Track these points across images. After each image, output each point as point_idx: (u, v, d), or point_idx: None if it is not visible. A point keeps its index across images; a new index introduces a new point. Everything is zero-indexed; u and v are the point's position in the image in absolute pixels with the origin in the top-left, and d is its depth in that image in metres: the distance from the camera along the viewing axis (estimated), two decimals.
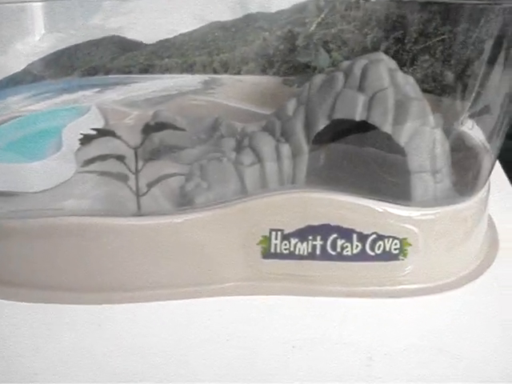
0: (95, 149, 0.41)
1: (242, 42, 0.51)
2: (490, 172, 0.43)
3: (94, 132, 0.37)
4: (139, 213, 0.39)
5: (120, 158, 0.36)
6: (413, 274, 0.40)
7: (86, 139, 0.37)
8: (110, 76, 0.52)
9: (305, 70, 0.49)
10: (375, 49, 0.49)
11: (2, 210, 0.41)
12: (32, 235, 0.39)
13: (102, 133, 0.37)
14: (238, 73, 0.52)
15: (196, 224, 0.38)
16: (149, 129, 0.36)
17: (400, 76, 0.42)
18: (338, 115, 0.41)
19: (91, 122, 0.50)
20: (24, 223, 0.39)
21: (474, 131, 0.45)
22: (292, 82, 0.50)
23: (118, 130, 0.43)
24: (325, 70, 0.48)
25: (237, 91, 0.51)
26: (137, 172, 0.38)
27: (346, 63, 0.43)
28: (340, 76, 0.42)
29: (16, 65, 0.49)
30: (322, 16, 0.50)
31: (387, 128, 0.40)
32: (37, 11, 0.43)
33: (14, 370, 0.34)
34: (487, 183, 0.43)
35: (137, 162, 0.38)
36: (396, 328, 0.38)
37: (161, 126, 0.36)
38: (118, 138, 0.37)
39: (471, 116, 0.45)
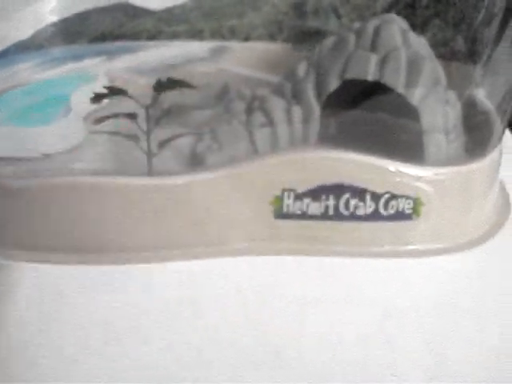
0: (105, 111, 0.41)
1: (250, 8, 0.50)
2: (502, 134, 0.43)
3: (105, 90, 0.36)
4: (150, 173, 0.38)
5: (132, 117, 0.36)
6: (426, 234, 0.40)
7: (97, 98, 0.36)
8: (117, 43, 0.51)
9: (314, 36, 0.49)
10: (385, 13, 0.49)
11: (7, 171, 0.40)
12: (39, 195, 0.39)
13: (114, 91, 0.36)
14: (247, 39, 0.51)
15: (207, 184, 0.38)
16: (160, 86, 0.36)
17: (412, 36, 0.41)
18: (350, 75, 0.41)
19: (99, 89, 0.49)
20: (31, 183, 0.39)
21: (485, 93, 0.45)
22: (302, 48, 0.49)
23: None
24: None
25: (245, 58, 0.51)
26: (149, 131, 0.37)
27: (357, 24, 0.43)
28: (352, 37, 0.42)
29: (23, 31, 0.49)
30: None
31: (400, 88, 0.40)
32: None
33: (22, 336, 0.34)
34: (499, 146, 0.43)
35: (148, 121, 0.37)
36: (409, 287, 0.38)
37: (173, 83, 0.36)
38: (130, 97, 0.36)
39: (482, 78, 0.45)
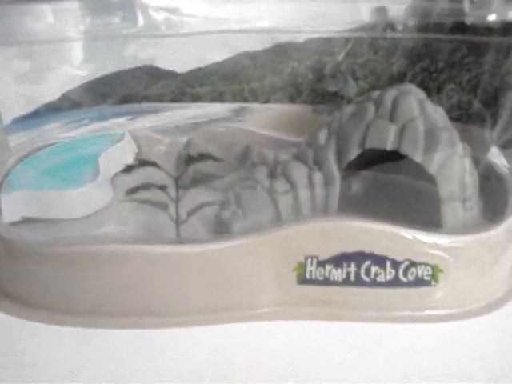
0: (132, 177, 0.42)
1: (271, 71, 0.52)
2: None
3: (136, 162, 0.38)
4: (178, 240, 0.40)
5: (162, 188, 0.38)
6: (444, 299, 0.41)
7: (129, 169, 0.38)
8: (142, 104, 0.53)
9: (333, 99, 0.51)
10: (401, 77, 0.51)
11: (44, 238, 0.42)
12: (72, 262, 0.40)
13: (144, 163, 0.38)
14: (267, 101, 0.53)
15: (233, 251, 0.40)
16: (191, 159, 0.38)
17: (429, 106, 0.43)
18: (370, 144, 0.42)
19: (125, 149, 0.51)
20: (64, 250, 0.40)
21: (500, 159, 0.46)
22: (321, 110, 0.51)
23: (153, 157, 0.45)
24: (352, 98, 0.50)
25: (266, 119, 0.53)
26: (177, 200, 0.39)
27: (376, 94, 0.45)
28: (371, 106, 0.44)
29: (53, 93, 0.51)
30: (349, 46, 0.51)
31: (418, 157, 0.41)
32: (74, 41, 0.45)
33: None
34: None
35: (177, 190, 0.39)
36: (429, 352, 0.39)
37: (202, 157, 0.37)
38: (160, 168, 0.38)
39: (497, 144, 0.46)
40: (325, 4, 0.39)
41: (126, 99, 0.53)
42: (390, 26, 0.43)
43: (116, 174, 0.48)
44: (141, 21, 0.37)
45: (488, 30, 0.41)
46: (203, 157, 0.37)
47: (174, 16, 0.38)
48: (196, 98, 0.53)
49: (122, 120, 0.53)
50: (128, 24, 0.37)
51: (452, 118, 0.45)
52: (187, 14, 0.38)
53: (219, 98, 0.53)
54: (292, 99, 0.53)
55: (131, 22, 0.37)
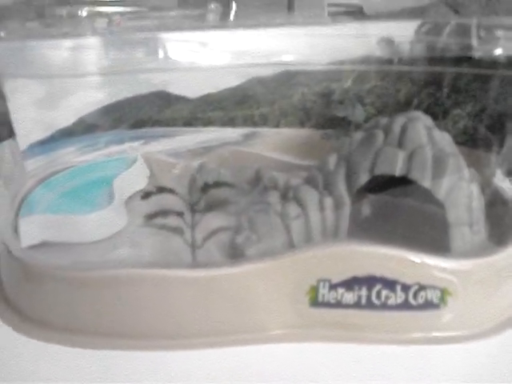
0: (147, 202, 0.43)
1: (280, 96, 0.54)
2: None
3: (154, 189, 0.39)
4: (194, 264, 0.41)
5: (180, 215, 0.39)
6: (452, 321, 0.42)
7: (147, 195, 0.39)
8: (156, 128, 0.54)
9: (341, 124, 0.52)
10: (407, 103, 0.52)
11: (62, 261, 0.43)
12: (90, 285, 0.41)
13: (162, 190, 0.39)
14: (277, 126, 0.55)
15: (247, 275, 0.41)
16: (207, 187, 0.39)
17: (437, 133, 0.44)
18: (379, 170, 0.43)
19: (138, 172, 0.52)
20: (83, 274, 0.41)
21: (506, 183, 0.47)
22: (329, 135, 0.52)
23: (165, 180, 0.46)
24: (361, 123, 0.51)
25: (276, 143, 0.54)
26: (193, 226, 0.40)
27: (384, 120, 0.46)
28: (380, 133, 0.45)
29: (67, 118, 0.52)
30: (356, 73, 0.53)
31: (426, 183, 0.43)
32: (96, 75, 0.46)
33: None
34: None
35: (193, 216, 0.40)
36: (438, 373, 0.40)
37: (217, 184, 0.39)
38: (176, 195, 0.39)
39: (503, 169, 0.47)
40: (337, 39, 0.41)
41: (140, 124, 0.54)
42: (398, 58, 0.45)
43: (130, 198, 0.49)
44: (161, 55, 0.38)
45: (493, 63, 0.42)
46: (219, 184, 0.39)
47: (193, 50, 0.39)
48: (208, 123, 0.54)
49: (135, 144, 0.54)
50: (149, 58, 0.38)
51: (458, 143, 0.46)
52: (207, 48, 0.39)
53: (230, 122, 0.54)
54: (301, 124, 0.54)
55: (152, 57, 0.38)
